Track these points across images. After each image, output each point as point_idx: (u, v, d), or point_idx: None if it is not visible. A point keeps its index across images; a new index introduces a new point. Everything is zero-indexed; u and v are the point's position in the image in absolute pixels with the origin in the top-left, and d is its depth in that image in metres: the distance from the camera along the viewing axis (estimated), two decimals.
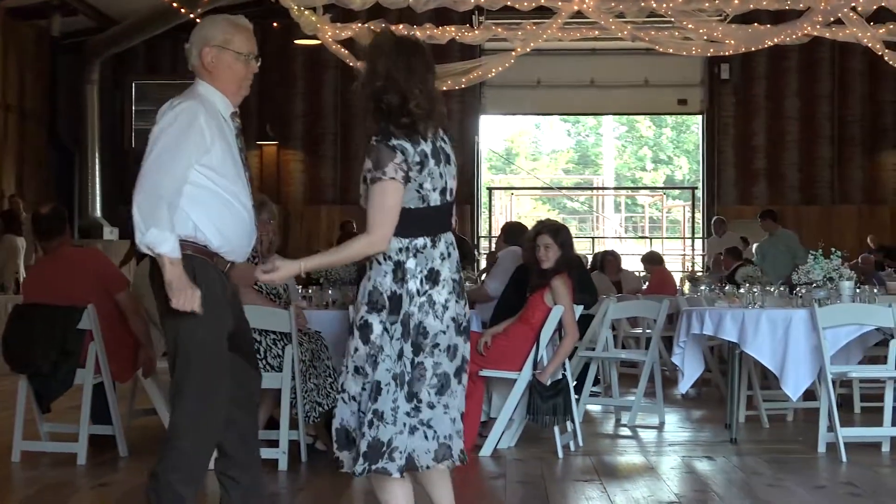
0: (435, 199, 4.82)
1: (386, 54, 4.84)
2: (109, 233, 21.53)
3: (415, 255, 4.77)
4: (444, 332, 4.80)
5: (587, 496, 6.89)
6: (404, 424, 4.73)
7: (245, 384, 5.23)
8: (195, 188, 4.91)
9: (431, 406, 4.78)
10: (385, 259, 4.77)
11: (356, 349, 4.79)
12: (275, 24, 20.95)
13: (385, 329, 4.75)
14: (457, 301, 4.87)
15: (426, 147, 4.79)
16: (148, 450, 8.31)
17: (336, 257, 4.96)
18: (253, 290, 7.75)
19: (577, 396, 8.85)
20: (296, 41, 19.95)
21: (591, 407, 10.69)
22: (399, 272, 4.76)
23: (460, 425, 4.90)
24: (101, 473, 7.52)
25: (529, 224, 10.45)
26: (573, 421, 8.57)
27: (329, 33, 14.97)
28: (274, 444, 7.63)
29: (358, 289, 4.92)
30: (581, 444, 8.65)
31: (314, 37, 15.66)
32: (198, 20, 5.14)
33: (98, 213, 22.05)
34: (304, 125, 23.40)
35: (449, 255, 4.86)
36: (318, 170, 23.38)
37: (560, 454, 8.17)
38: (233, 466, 5.25)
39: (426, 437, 4.77)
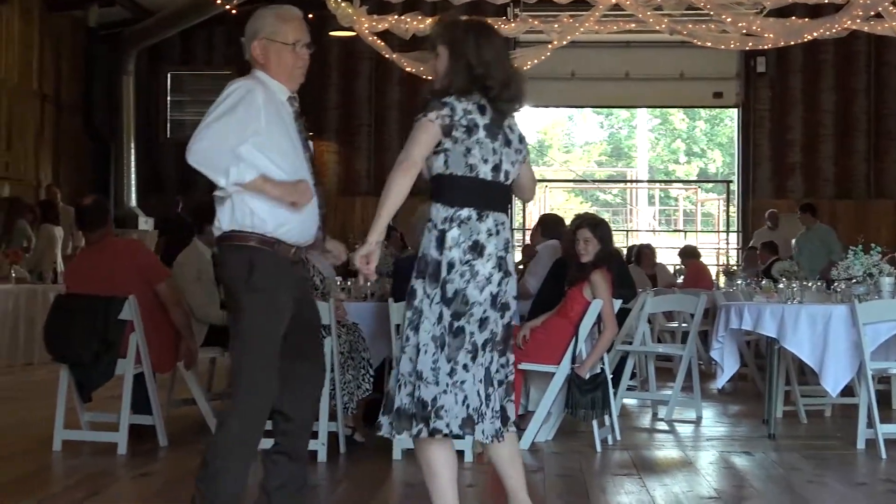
0: (485, 171, 4.92)
1: (472, 39, 4.96)
2: (144, 223, 21.59)
3: (458, 226, 4.89)
4: (481, 304, 4.90)
5: (626, 490, 6.88)
6: (446, 384, 4.85)
7: (303, 373, 5.31)
8: (253, 173, 5.01)
9: (466, 369, 4.89)
10: (433, 227, 4.92)
11: (406, 316, 4.97)
12: (310, 16, 20.86)
13: (426, 294, 4.88)
14: (502, 278, 4.96)
15: (480, 119, 4.90)
16: (187, 440, 8.37)
17: (384, 204, 4.87)
18: None
19: (613, 390, 8.84)
20: (330, 32, 19.96)
21: (627, 401, 10.67)
22: (441, 241, 4.88)
23: (494, 404, 4.97)
24: (142, 463, 7.55)
25: (564, 216, 10.46)
26: (611, 415, 8.56)
27: (365, 25, 14.99)
28: (313, 435, 7.64)
29: None
30: (619, 438, 8.64)
31: (349, 28, 15.68)
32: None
33: (133, 203, 22.11)
34: (339, 117, 23.41)
35: (497, 232, 4.96)
36: (353, 161, 23.40)
37: (598, 448, 8.17)
38: (281, 453, 5.34)
39: (456, 402, 4.87)
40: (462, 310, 4.87)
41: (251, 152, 5.05)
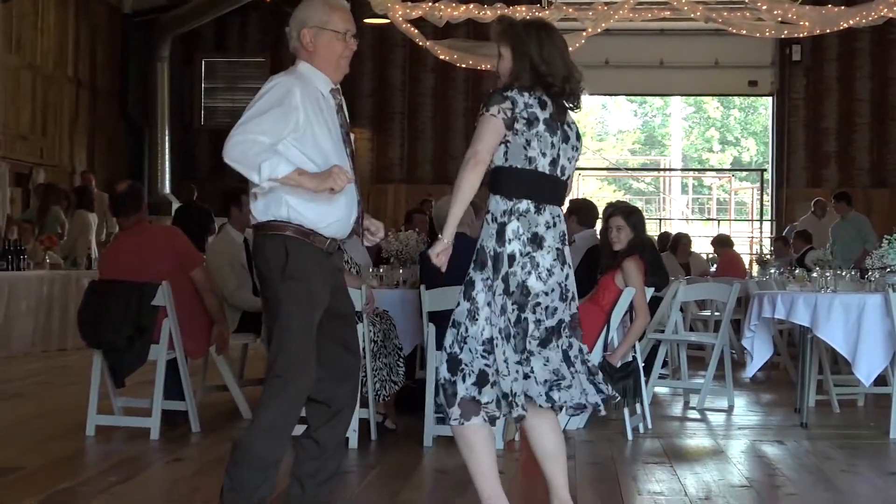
0: (543, 165, 5.00)
1: (534, 38, 5.07)
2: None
3: (518, 218, 4.98)
4: (547, 294, 5.01)
5: (657, 479, 6.87)
6: (517, 372, 4.97)
7: (339, 362, 5.33)
8: (288, 167, 5.00)
9: (534, 355, 5.00)
10: (492, 220, 5.01)
11: (458, 304, 5.06)
12: None
13: (488, 287, 4.97)
14: (561, 268, 5.06)
15: (540, 113, 4.98)
16: (219, 426, 8.41)
17: (457, 202, 4.99)
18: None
19: (645, 379, 8.83)
20: (364, 20, 19.97)
21: (659, 389, 10.66)
22: (501, 233, 4.97)
23: (580, 380, 5.10)
24: (174, 448, 7.59)
25: (597, 204, 10.43)
26: (642, 403, 8.56)
27: (399, 12, 15.00)
28: None
29: (454, 272, 5.19)
30: (650, 426, 8.63)
31: (383, 15, 15.69)
32: (300, 3, 5.30)
33: (167, 189, 22.19)
34: (372, 104, 23.41)
35: (555, 224, 5.06)
36: (386, 149, 23.41)
37: (629, 436, 8.16)
38: (311, 439, 5.37)
39: (536, 382, 4.99)
40: (524, 301, 4.96)
41: (288, 149, 5.06)
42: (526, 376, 4.97)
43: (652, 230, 24.47)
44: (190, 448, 7.69)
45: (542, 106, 4.99)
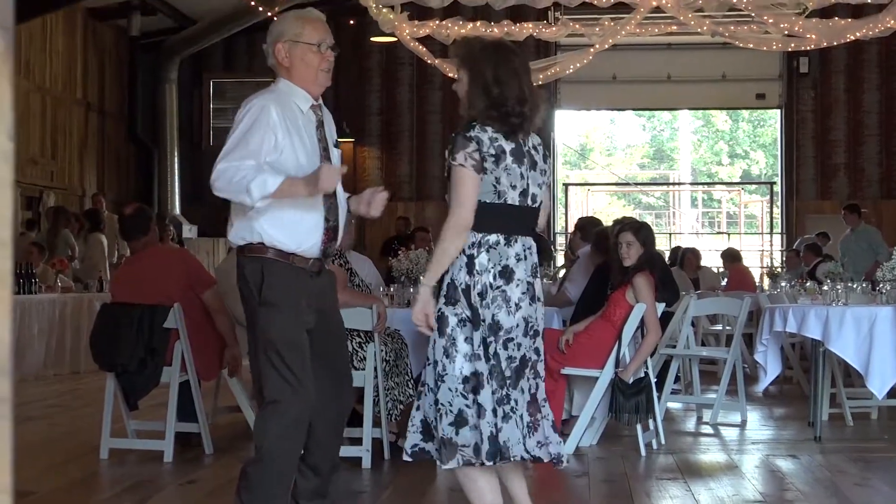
0: (513, 197, 4.88)
1: (490, 60, 4.93)
2: (188, 230, 21.71)
3: (487, 251, 4.84)
4: (515, 328, 4.86)
5: (671, 494, 6.86)
6: (496, 414, 4.82)
7: (325, 386, 5.29)
8: (277, 180, 4.93)
9: (511, 395, 4.86)
10: (461, 253, 4.85)
11: (434, 341, 4.90)
12: (351, 22, 21.03)
13: (465, 320, 4.83)
14: (530, 303, 4.92)
15: (506, 145, 4.86)
16: (233, 447, 8.41)
17: (437, 261, 4.88)
18: (348, 288, 7.80)
19: (657, 394, 8.83)
20: (372, 38, 20.03)
21: (671, 404, 10.65)
22: (471, 266, 4.83)
23: (544, 426, 4.98)
24: (188, 470, 7.59)
25: (603, 219, 10.43)
26: (655, 419, 8.55)
27: (407, 31, 15.01)
28: (357, 441, 7.67)
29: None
30: (663, 441, 8.62)
31: (391, 34, 15.72)
32: (274, 18, 5.28)
33: (177, 210, 22.25)
34: (380, 122, 23.45)
35: (525, 257, 4.92)
36: (395, 166, 23.43)
37: (643, 452, 8.15)
38: (305, 463, 5.36)
39: (516, 426, 4.86)
40: (496, 336, 4.82)
41: (275, 166, 5.02)
42: (505, 416, 4.83)
43: (662, 245, 24.49)
44: (203, 470, 7.69)
45: (506, 136, 4.86)
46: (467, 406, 4.82)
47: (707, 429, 9.60)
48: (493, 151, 4.82)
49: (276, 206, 5.04)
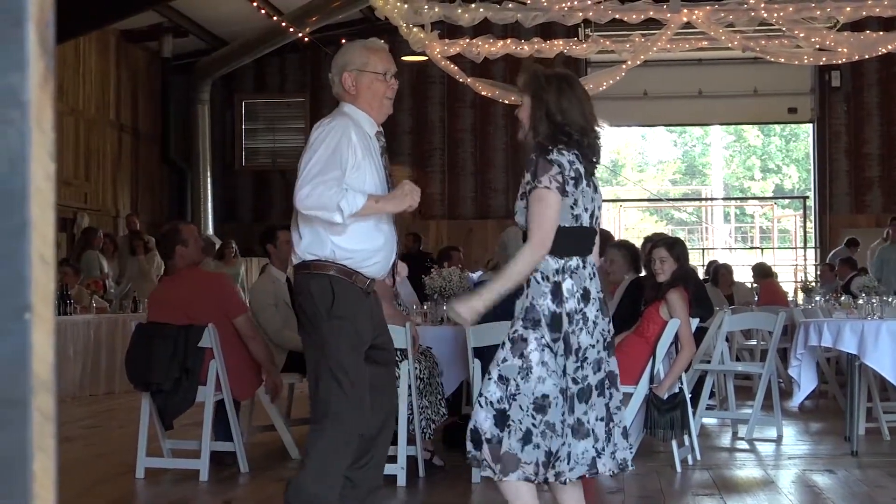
0: (586, 220, 5.02)
1: (553, 88, 5.06)
2: None
3: (570, 276, 4.95)
4: (594, 346, 4.99)
5: None
6: (567, 435, 4.93)
7: (378, 403, 5.35)
8: (361, 198, 5.06)
9: (587, 415, 4.98)
10: (543, 279, 4.94)
11: (505, 359, 4.98)
12: (381, 41, 21.07)
13: (547, 346, 4.93)
14: (603, 317, 5.06)
15: (580, 167, 4.98)
16: (268, 466, 8.43)
17: (508, 278, 4.97)
18: (391, 305, 7.82)
19: (693, 410, 8.80)
20: (402, 57, 20.08)
21: (707, 420, 10.61)
22: (558, 292, 4.92)
23: (601, 437, 5.05)
24: (224, 489, 7.61)
25: (636, 234, 10.38)
26: (690, 434, 8.52)
27: (437, 49, 15.05)
28: (392, 459, 7.67)
29: (503, 307, 5.07)
30: (699, 457, 8.59)
31: (421, 53, 15.76)
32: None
33: (210, 230, 22.32)
34: (411, 141, 23.50)
35: (594, 274, 5.06)
36: (427, 185, 23.44)
37: (678, 468, 8.12)
38: (349, 480, 5.37)
39: (585, 448, 4.98)
40: (581, 358, 4.94)
41: (350, 184, 5.11)
42: (578, 434, 4.94)
43: (695, 260, 24.43)
44: (239, 489, 7.71)
45: (580, 160, 4.98)
46: (534, 426, 4.92)
47: (743, 444, 9.56)
48: (572, 175, 4.93)
49: (352, 230, 5.16)
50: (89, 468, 8.55)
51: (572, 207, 4.93)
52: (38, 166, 0.98)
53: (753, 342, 13.82)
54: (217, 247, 19.31)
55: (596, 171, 5.17)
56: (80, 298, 14.65)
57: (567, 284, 4.92)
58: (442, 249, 14.79)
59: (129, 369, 8.08)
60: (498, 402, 4.98)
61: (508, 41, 15.35)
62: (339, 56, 5.45)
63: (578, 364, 4.94)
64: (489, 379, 5.02)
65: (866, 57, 15.25)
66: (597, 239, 5.20)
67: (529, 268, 4.93)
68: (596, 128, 5.12)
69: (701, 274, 16.83)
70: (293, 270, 5.41)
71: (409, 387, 7.66)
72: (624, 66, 15.22)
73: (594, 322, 4.98)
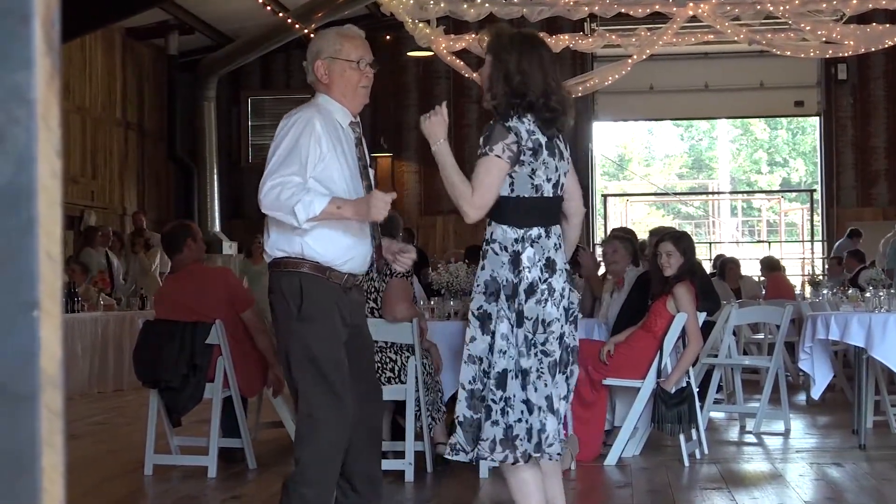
0: (548, 190, 4.92)
1: (515, 49, 4.95)
2: (228, 247, 21.79)
3: (531, 245, 4.86)
4: (559, 320, 4.88)
5: None
6: (543, 409, 4.83)
7: (360, 402, 5.28)
8: (322, 202, 4.92)
9: (553, 389, 4.88)
10: (501, 249, 4.86)
11: (473, 338, 4.90)
12: (387, 37, 21.10)
13: (506, 318, 4.82)
14: (570, 290, 4.97)
15: (541, 138, 4.88)
16: (276, 462, 8.44)
17: (447, 171, 4.97)
18: (410, 305, 7.81)
19: (700, 404, 8.80)
20: (408, 53, 20.09)
21: (714, 414, 10.61)
22: (517, 261, 4.83)
23: (561, 417, 4.97)
24: (232, 486, 7.62)
25: (642, 229, 10.39)
26: (698, 428, 8.52)
27: (443, 45, 15.06)
28: (400, 455, 7.69)
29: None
30: (706, 451, 8.59)
31: (427, 48, 15.76)
32: (311, 35, 5.31)
33: (217, 227, 22.33)
34: (418, 136, 23.34)
35: (560, 245, 4.96)
36: (433, 180, 23.38)
37: (686, 462, 8.12)
38: (345, 479, 5.34)
39: (556, 423, 4.89)
40: (544, 330, 4.84)
41: (315, 183, 5.01)
42: (551, 410, 4.85)
43: (702, 254, 24.41)
44: (247, 485, 7.72)
45: (542, 128, 4.89)
46: (493, 401, 4.83)
47: (750, 438, 9.56)
48: (530, 144, 4.85)
49: (321, 226, 5.04)
50: (97, 465, 8.56)
51: (531, 177, 4.85)
52: (44, 164, 0.99)
53: (761, 336, 13.82)
54: (234, 245, 19.33)
55: (559, 136, 5.03)
56: (87, 296, 14.68)
57: (528, 253, 4.82)
58: (468, 247, 14.70)
59: (136, 366, 8.10)
60: (470, 383, 4.90)
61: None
62: (313, 43, 5.32)
63: (546, 336, 4.83)
64: (463, 363, 4.92)
65: (873, 50, 15.22)
66: (575, 207, 5.13)
67: (451, 191, 4.88)
68: (560, 92, 4.98)
69: (708, 268, 16.83)
70: (268, 268, 5.28)
71: (417, 381, 7.66)
72: (630, 61, 15.21)
73: (560, 294, 4.88)
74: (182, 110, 22.37)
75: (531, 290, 4.81)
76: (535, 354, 4.82)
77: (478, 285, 4.92)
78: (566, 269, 4.96)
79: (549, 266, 4.86)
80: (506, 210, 4.90)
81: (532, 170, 4.85)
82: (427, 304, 9.44)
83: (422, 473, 7.75)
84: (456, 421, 4.96)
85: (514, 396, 4.81)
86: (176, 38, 21.89)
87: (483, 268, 4.92)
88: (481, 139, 4.90)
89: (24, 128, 0.98)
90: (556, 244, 4.92)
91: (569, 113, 5.02)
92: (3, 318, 0.96)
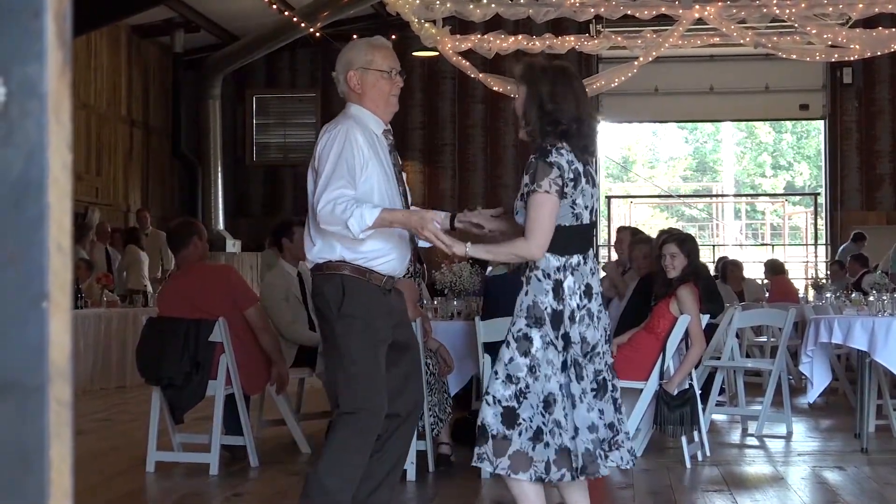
0: (586, 217, 5.08)
1: (548, 78, 5.10)
2: (232, 245, 21.79)
3: (572, 273, 5.01)
4: (601, 339, 5.07)
5: None
6: (575, 430, 4.97)
7: (399, 399, 5.36)
8: (373, 212, 5.05)
9: (592, 407, 5.03)
10: (544, 276, 5.00)
11: (511, 359, 5.03)
12: (392, 36, 21.09)
13: (551, 343, 4.97)
14: (604, 311, 5.17)
15: (579, 167, 5.01)
16: (278, 460, 8.44)
17: (497, 252, 5.25)
18: (415, 308, 7.81)
19: (702, 406, 8.80)
20: (413, 53, 20.09)
21: (716, 416, 10.61)
22: (559, 290, 4.97)
23: (606, 437, 5.13)
24: (234, 483, 7.63)
25: (646, 231, 10.38)
26: (700, 430, 8.52)
27: (449, 45, 15.04)
28: None
29: (515, 301, 5.11)
30: (708, 453, 8.59)
31: (432, 48, 15.76)
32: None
33: (221, 225, 22.33)
34: (422, 136, 23.48)
35: (595, 270, 5.15)
36: (438, 180, 23.48)
37: (688, 464, 8.13)
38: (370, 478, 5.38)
39: (593, 442, 5.02)
40: (586, 353, 5.00)
41: (358, 185, 5.15)
42: (592, 430, 5.00)
43: (706, 257, 24.39)
44: (249, 483, 7.72)
45: (579, 157, 5.01)
46: (544, 424, 4.95)
47: (752, 441, 9.55)
48: (571, 175, 4.97)
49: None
50: (100, 462, 8.57)
51: (572, 207, 4.98)
52: (55, 157, 0.99)
53: (764, 339, 13.82)
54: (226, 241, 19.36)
55: (591, 164, 5.17)
56: (90, 293, 14.69)
57: (568, 282, 4.97)
58: None
59: (139, 363, 8.11)
60: (507, 400, 5.01)
61: (520, 37, 15.34)
62: (344, 54, 5.43)
63: (590, 359, 5.00)
64: (496, 378, 5.05)
65: (878, 54, 15.21)
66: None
67: (515, 258, 5.15)
68: (591, 121, 5.14)
69: (711, 270, 16.82)
70: (311, 272, 5.43)
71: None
72: (636, 63, 15.20)
73: (598, 317, 5.06)
74: (187, 108, 22.38)
75: (573, 317, 4.97)
76: (587, 377, 5.00)
77: (521, 309, 5.06)
78: (599, 292, 5.13)
79: (588, 292, 5.02)
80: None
81: (573, 200, 4.99)
82: (430, 303, 9.45)
83: (424, 473, 7.76)
84: (485, 431, 5.04)
85: (563, 418, 4.94)
86: (181, 36, 21.90)
87: (527, 293, 5.05)
88: (526, 176, 5.02)
89: (36, 121, 0.99)
90: (592, 269, 5.09)
91: (596, 138, 5.23)
92: (13, 309, 0.97)
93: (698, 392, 8.54)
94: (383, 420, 5.23)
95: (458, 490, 7.32)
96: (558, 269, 4.98)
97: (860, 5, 13.82)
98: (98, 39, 19.97)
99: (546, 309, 4.97)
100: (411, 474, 7.53)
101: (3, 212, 0.97)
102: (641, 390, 8.27)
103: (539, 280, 5.00)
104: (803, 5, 13.75)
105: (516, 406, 4.99)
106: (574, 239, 5.02)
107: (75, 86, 19.12)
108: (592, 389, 5.03)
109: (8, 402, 0.98)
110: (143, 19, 20.68)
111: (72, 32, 1.05)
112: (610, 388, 5.12)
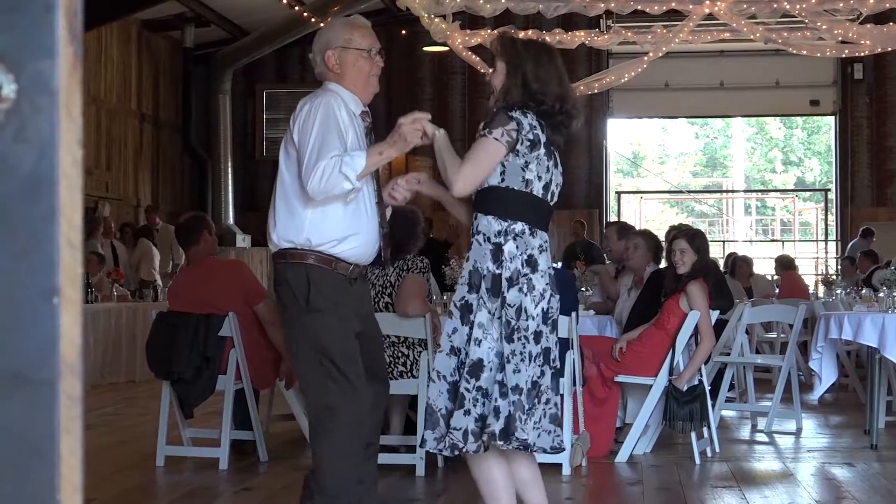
0: (538, 189, 4.88)
1: (530, 56, 4.98)
2: (242, 240, 21.80)
3: (514, 239, 4.81)
4: (535, 318, 4.80)
5: (726, 502, 6.84)
6: (505, 398, 4.75)
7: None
8: (361, 158, 4.96)
9: (522, 380, 4.79)
10: (485, 241, 4.84)
11: (454, 329, 4.86)
12: (403, 31, 21.11)
13: (485, 307, 4.79)
14: (552, 294, 4.89)
15: (542, 136, 4.87)
16: (287, 455, 8.45)
17: (444, 155, 4.91)
18: (423, 302, 7.79)
19: (712, 402, 8.79)
20: (423, 48, 20.09)
21: (726, 412, 10.60)
22: (499, 254, 4.80)
23: (540, 420, 4.88)
24: (243, 478, 7.63)
25: (656, 226, 10.37)
26: (710, 426, 8.51)
27: (459, 40, 15.06)
28: (412, 449, 7.70)
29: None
30: (718, 449, 8.59)
31: (442, 43, 15.77)
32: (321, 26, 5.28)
33: (231, 220, 22.35)
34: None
35: (546, 249, 4.91)
36: None
37: (697, 460, 8.12)
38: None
39: (529, 413, 4.79)
40: (520, 324, 4.77)
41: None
42: (529, 400, 4.76)
43: (716, 252, 24.37)
44: (259, 477, 7.73)
45: (542, 128, 4.87)
46: (467, 391, 4.75)
47: (762, 437, 9.55)
48: (530, 137, 4.82)
49: (329, 209, 5.06)
50: (110, 456, 8.58)
51: (523, 170, 4.82)
52: (66, 152, 1.00)
53: (773, 335, 13.81)
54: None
55: (560, 145, 5.02)
56: (101, 287, 14.71)
57: (509, 247, 4.78)
58: None
59: (149, 358, 8.12)
60: (451, 375, 4.84)
61: (530, 32, 15.33)
62: (321, 34, 5.32)
63: (527, 324, 4.76)
64: (440, 352, 4.89)
65: (889, 49, 15.19)
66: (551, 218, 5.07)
67: (445, 197, 4.98)
68: (573, 97, 5.02)
69: (721, 266, 16.81)
70: (272, 259, 5.27)
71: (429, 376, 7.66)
72: (646, 58, 15.20)
73: (541, 294, 4.82)
74: (197, 103, 22.41)
75: (512, 281, 4.78)
76: (519, 339, 4.76)
77: (462, 277, 4.91)
78: (550, 273, 4.91)
79: (531, 263, 4.81)
80: (492, 199, 4.87)
81: (525, 162, 4.82)
82: (440, 298, 9.45)
83: (433, 468, 7.76)
84: (433, 412, 4.86)
85: (489, 385, 4.75)
86: (192, 31, 21.93)
87: (468, 259, 4.92)
88: (482, 123, 4.89)
89: (47, 116, 0.99)
90: (540, 245, 4.87)
91: (579, 116, 5.06)
92: (24, 304, 0.97)
93: (708, 388, 8.53)
94: (367, 411, 5.12)
95: (467, 485, 7.31)
96: (499, 232, 4.80)
97: (871, 1, 13.81)
98: (109, 34, 20.00)
99: (484, 273, 4.79)
100: (420, 469, 7.53)
101: (14, 207, 0.98)
102: (651, 386, 8.28)
103: (480, 245, 4.84)
104: (813, 1, 13.74)
105: (458, 379, 4.81)
106: (520, 207, 4.82)
107: (86, 80, 19.13)
108: (532, 361, 4.77)
109: (18, 396, 0.98)
110: (154, 14, 20.70)
111: (83, 27, 1.05)
112: (535, 368, 4.79)
